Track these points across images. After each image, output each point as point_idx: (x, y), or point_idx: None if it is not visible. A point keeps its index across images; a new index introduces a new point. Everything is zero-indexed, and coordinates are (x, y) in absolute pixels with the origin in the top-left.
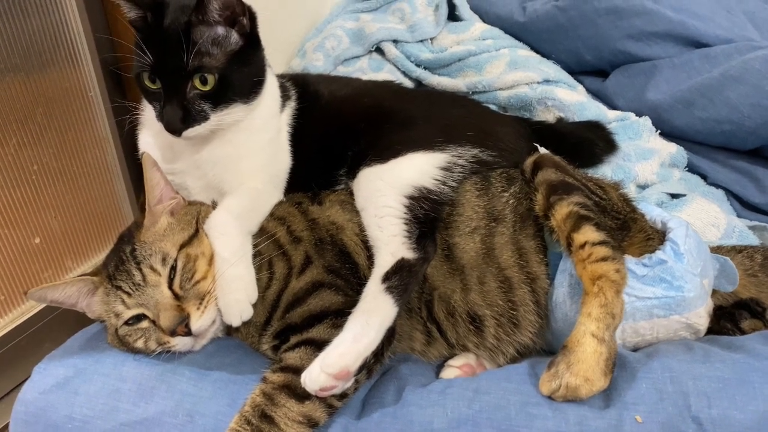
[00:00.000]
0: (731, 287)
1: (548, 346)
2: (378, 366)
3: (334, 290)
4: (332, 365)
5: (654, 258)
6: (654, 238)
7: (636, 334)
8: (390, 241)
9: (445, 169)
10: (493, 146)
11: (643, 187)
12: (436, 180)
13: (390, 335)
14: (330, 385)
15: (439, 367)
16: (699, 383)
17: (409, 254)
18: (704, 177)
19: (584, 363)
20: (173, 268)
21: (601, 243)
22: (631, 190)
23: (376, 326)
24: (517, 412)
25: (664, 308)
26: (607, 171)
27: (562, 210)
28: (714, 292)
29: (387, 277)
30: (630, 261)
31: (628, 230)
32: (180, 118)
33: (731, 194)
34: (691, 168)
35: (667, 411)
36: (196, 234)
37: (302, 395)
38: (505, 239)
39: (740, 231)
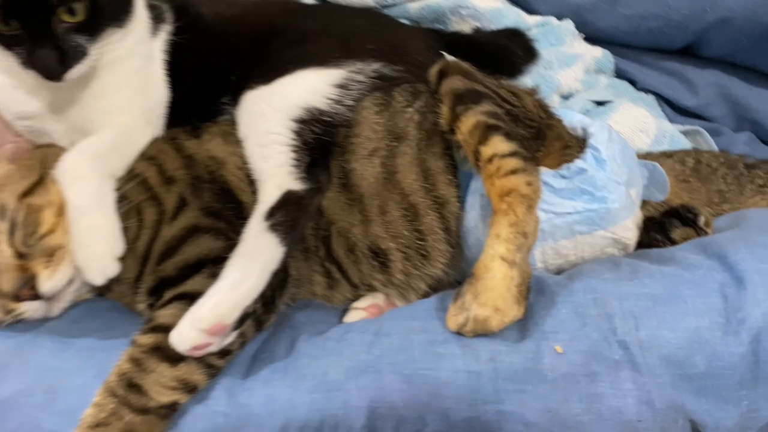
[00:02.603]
0: (662, 196)
1: (463, 277)
2: (270, 316)
3: (213, 234)
4: (203, 319)
5: (573, 167)
6: (573, 146)
7: (558, 255)
8: (276, 172)
9: (341, 86)
10: (399, 60)
11: (567, 97)
12: (330, 99)
13: (283, 280)
14: (203, 343)
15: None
16: (625, 303)
17: (298, 185)
18: (633, 82)
19: (493, 291)
20: (14, 222)
21: (511, 154)
22: (554, 102)
23: (258, 270)
24: (423, 353)
25: (587, 223)
26: (528, 81)
27: (469, 121)
28: (644, 203)
29: (271, 214)
30: (546, 173)
31: (543, 139)
32: (57, 60)
33: (662, 99)
34: (619, 73)
35: (590, 337)
36: (41, 181)
37: (175, 357)
38: (409, 159)
39: (671, 136)
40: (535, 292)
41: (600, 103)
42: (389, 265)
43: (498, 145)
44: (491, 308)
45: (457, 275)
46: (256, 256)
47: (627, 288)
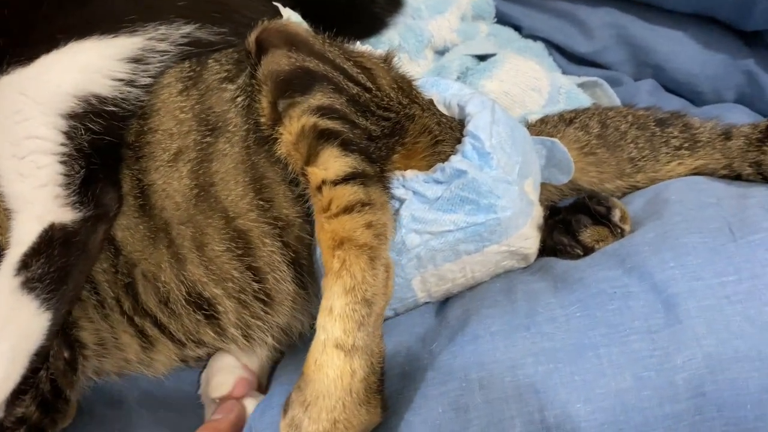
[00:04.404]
0: (565, 177)
1: None
2: (60, 416)
3: None
4: None
5: (448, 169)
6: (445, 139)
7: (443, 281)
8: (36, 197)
9: (136, 60)
10: (222, 18)
11: (442, 52)
12: (119, 80)
13: (71, 359)
14: None
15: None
16: (520, 373)
17: (67, 215)
18: (518, 28)
19: (327, 397)
20: None
21: (348, 178)
22: (427, 58)
23: (7, 356)
24: None
25: (474, 240)
26: (393, 36)
27: (293, 125)
28: (543, 186)
29: (25, 263)
30: (416, 179)
31: (402, 135)
32: None
33: (553, 47)
34: (501, 18)
35: None
36: None
37: None
38: (232, 164)
39: (567, 92)
40: (401, 377)
41: (482, 58)
42: (218, 317)
43: (330, 163)
44: (327, 422)
45: (312, 320)
46: (3, 334)
47: (522, 345)
